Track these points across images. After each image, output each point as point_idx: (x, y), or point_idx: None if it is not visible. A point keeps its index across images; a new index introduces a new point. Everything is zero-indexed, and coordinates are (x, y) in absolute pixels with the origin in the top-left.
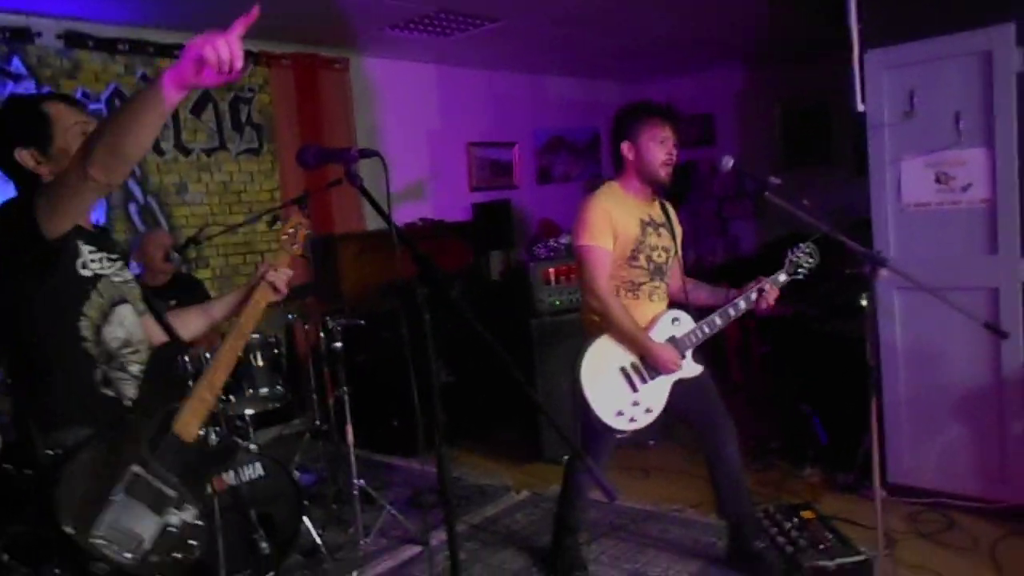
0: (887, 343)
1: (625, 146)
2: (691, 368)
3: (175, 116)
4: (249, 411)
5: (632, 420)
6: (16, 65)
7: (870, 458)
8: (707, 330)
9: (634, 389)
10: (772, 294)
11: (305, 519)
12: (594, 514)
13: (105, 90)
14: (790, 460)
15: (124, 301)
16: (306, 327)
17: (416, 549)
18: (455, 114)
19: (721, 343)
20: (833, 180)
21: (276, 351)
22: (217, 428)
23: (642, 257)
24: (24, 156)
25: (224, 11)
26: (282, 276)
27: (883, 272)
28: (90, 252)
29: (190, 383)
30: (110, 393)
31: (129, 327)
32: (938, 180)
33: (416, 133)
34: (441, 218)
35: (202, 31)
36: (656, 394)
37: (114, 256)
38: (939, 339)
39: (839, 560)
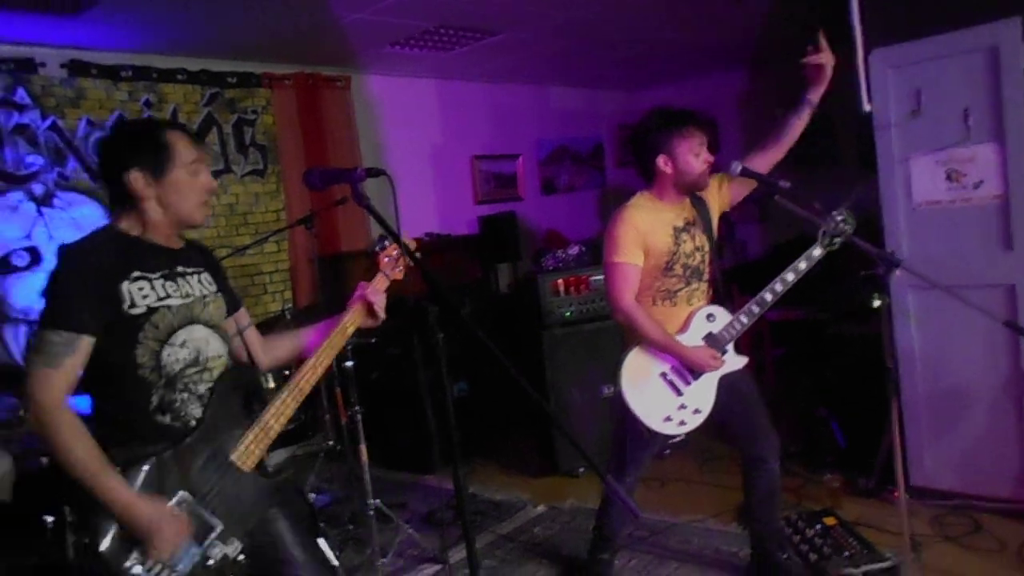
0: (903, 344)
1: (661, 160)
2: (735, 361)
3: None
4: None
5: (682, 423)
6: (21, 95)
7: (891, 461)
8: (745, 320)
9: (679, 393)
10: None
11: (321, 541)
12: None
13: (109, 117)
14: (809, 465)
15: (191, 322)
16: None
17: (435, 567)
18: (458, 128)
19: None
20: (839, 179)
21: (287, 372)
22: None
23: (677, 266)
24: (136, 178)
25: (222, 36)
26: (382, 299)
27: (897, 272)
28: (140, 289)
29: (256, 409)
30: (165, 420)
31: (198, 345)
32: (949, 177)
33: (420, 148)
34: (448, 232)
35: (203, 54)
36: (703, 394)
37: (190, 271)
38: (956, 338)
39: (865, 567)
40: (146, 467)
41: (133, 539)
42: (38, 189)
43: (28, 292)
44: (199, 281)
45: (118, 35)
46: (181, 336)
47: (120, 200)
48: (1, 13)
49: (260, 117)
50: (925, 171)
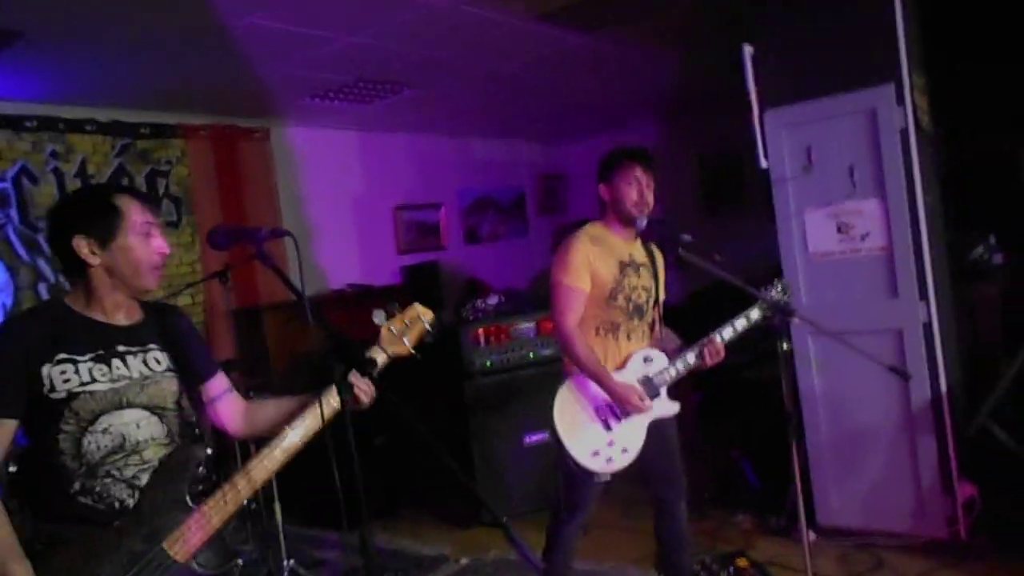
0: (805, 387)
1: (602, 188)
2: (668, 407)
3: None
4: None
5: (609, 460)
6: None
7: (797, 503)
8: (681, 368)
9: (608, 428)
10: (717, 349)
11: None
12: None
13: (11, 168)
14: (723, 507)
15: (119, 407)
16: None
17: None
18: (380, 178)
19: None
20: (750, 226)
21: (198, 431)
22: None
23: (620, 297)
24: (80, 244)
25: (135, 86)
26: (367, 384)
27: (795, 320)
28: (62, 373)
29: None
30: (88, 502)
31: (123, 430)
32: (839, 230)
33: (342, 199)
34: (370, 282)
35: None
36: (632, 434)
37: (133, 350)
38: (853, 381)
39: None
40: (65, 551)
41: None
42: None
43: None
44: (143, 361)
45: (22, 84)
46: (104, 422)
47: (70, 271)
48: None
49: (175, 168)
50: (818, 223)
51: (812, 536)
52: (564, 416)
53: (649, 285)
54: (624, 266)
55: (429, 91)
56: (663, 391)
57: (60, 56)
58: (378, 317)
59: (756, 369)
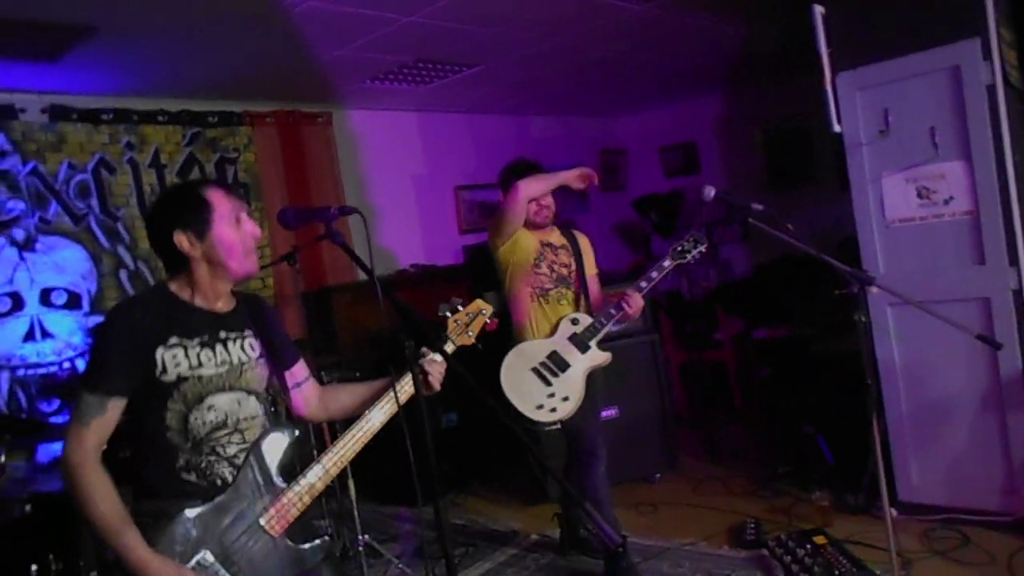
0: (884, 360)
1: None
2: (599, 357)
3: (161, 181)
4: None
5: (553, 411)
6: (1, 141)
7: (878, 478)
8: (604, 321)
9: (547, 383)
10: (636, 300)
11: None
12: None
13: (91, 160)
14: (799, 484)
15: (222, 390)
16: None
17: None
18: (441, 159)
19: (721, 369)
20: (819, 199)
21: (274, 409)
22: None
23: (544, 266)
24: (181, 239)
25: (203, 76)
26: (440, 369)
27: (873, 289)
28: (173, 357)
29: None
30: (192, 479)
31: (227, 409)
32: (920, 195)
33: (403, 181)
34: (432, 263)
35: (183, 95)
36: (571, 384)
37: (232, 336)
38: (936, 352)
39: None
40: (171, 525)
41: None
42: (19, 234)
43: (10, 337)
44: (241, 347)
45: (97, 79)
46: (209, 402)
47: (172, 265)
48: None
49: (242, 155)
50: (896, 189)
51: (893, 513)
52: (509, 379)
53: (569, 262)
54: (544, 244)
55: (485, 70)
56: (593, 344)
57: (131, 49)
58: (443, 310)
59: (826, 342)
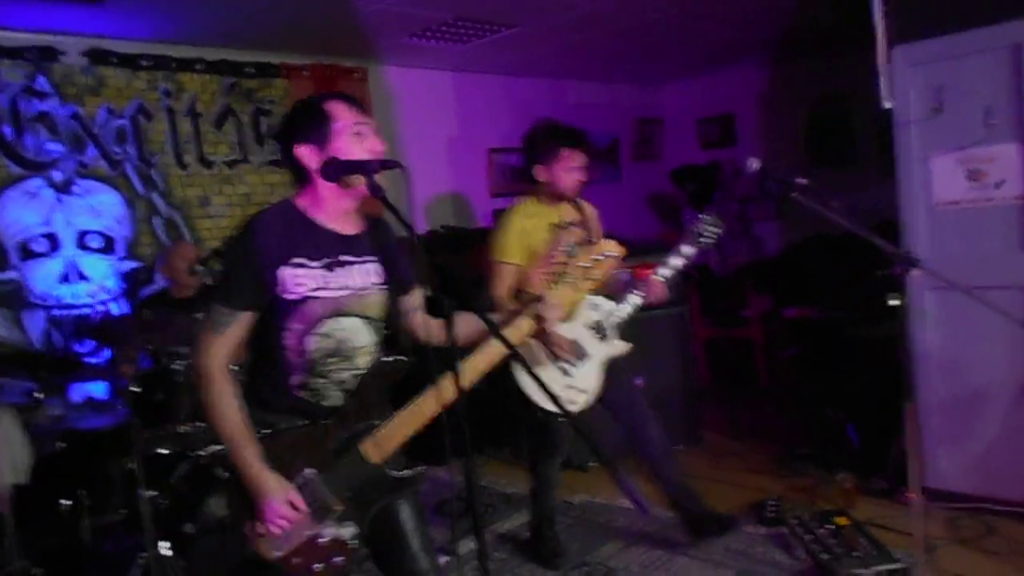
0: (920, 345)
1: (538, 169)
2: (618, 347)
3: (196, 130)
4: None
5: (571, 403)
6: (41, 83)
7: (904, 462)
8: (629, 308)
9: (566, 373)
10: (658, 287)
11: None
12: (624, 522)
13: (128, 106)
14: (822, 465)
15: (340, 315)
16: None
17: (444, 559)
18: (475, 120)
19: (747, 346)
20: (857, 182)
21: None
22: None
23: (558, 250)
24: (302, 152)
25: (241, 26)
26: (554, 312)
27: (915, 272)
28: (295, 276)
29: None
30: (304, 396)
31: (342, 335)
32: (970, 177)
33: (436, 141)
34: (463, 225)
35: (221, 44)
36: (588, 376)
37: (355, 260)
38: (975, 340)
39: (876, 568)
40: (279, 439)
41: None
42: (57, 176)
43: (47, 277)
44: (361, 273)
45: (138, 24)
46: (326, 326)
47: (299, 179)
48: (23, 2)
49: (277, 107)
50: (945, 170)
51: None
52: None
53: (582, 239)
54: (555, 227)
55: (524, 31)
56: (612, 333)
57: None
58: (571, 248)
59: (860, 326)
